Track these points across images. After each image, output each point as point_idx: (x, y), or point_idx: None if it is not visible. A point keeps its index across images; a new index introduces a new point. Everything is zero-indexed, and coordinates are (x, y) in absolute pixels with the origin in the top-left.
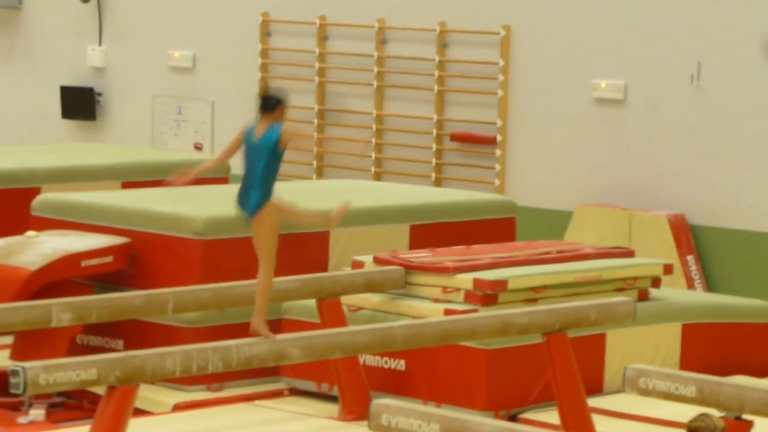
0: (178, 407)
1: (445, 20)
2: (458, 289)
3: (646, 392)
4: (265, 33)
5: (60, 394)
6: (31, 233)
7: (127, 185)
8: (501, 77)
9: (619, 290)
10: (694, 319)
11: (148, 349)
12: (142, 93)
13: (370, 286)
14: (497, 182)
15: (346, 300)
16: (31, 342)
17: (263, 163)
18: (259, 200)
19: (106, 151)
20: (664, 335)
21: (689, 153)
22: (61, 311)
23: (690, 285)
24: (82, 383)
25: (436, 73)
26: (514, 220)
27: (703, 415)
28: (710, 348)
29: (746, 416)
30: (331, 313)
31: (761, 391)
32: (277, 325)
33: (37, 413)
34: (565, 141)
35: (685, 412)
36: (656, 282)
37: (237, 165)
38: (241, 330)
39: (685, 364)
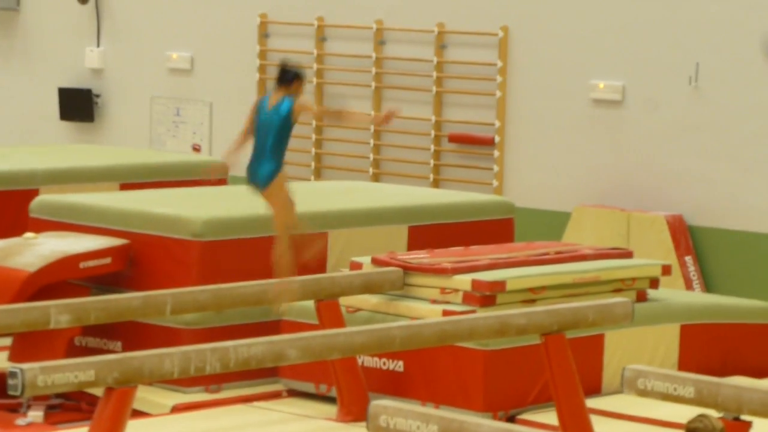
0: (176, 408)
1: (443, 21)
2: (456, 290)
3: (644, 393)
4: (263, 34)
5: (58, 395)
6: (29, 235)
7: (125, 187)
8: (499, 78)
9: (618, 291)
10: (692, 320)
11: (146, 351)
12: (140, 94)
13: (369, 287)
14: (495, 183)
15: (345, 301)
16: (30, 343)
17: (274, 134)
18: (271, 171)
19: (104, 153)
20: (663, 336)
21: (687, 154)
22: (59, 313)
23: (688, 286)
24: (80, 385)
25: (435, 74)
26: (512, 221)
27: (701, 416)
28: (709, 349)
29: (745, 417)
30: (329, 314)
31: (760, 392)
32: (275, 327)
33: (36, 415)
34: (563, 142)
35: (684, 413)
36: (654, 283)
37: (235, 166)
38: (240, 331)
39: (684, 364)
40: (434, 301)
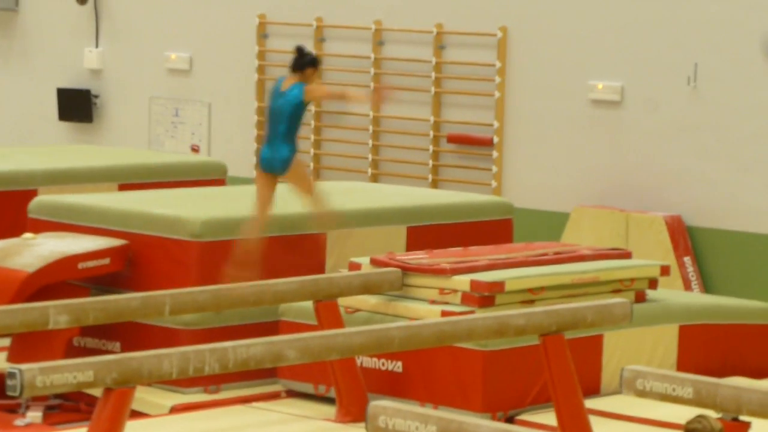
0: (175, 409)
1: (442, 22)
2: (455, 291)
3: (643, 394)
4: (262, 35)
5: (57, 396)
6: (28, 235)
7: (124, 187)
8: (498, 79)
9: (616, 291)
10: (691, 321)
11: (144, 351)
12: (138, 95)
13: (367, 287)
14: (494, 184)
15: (343, 302)
16: (28, 344)
17: (286, 120)
18: (288, 157)
19: (102, 153)
20: (661, 336)
21: (686, 154)
22: (58, 313)
23: (687, 286)
24: (79, 385)
25: (433, 74)
26: (511, 222)
27: (700, 417)
28: (707, 349)
29: (743, 417)
30: (328, 314)
31: (759, 393)
32: (274, 327)
33: (34, 415)
34: (561, 142)
35: (683, 414)
36: (653, 283)
37: (234, 166)
38: (239, 332)
39: (682, 365)
40: (433, 302)
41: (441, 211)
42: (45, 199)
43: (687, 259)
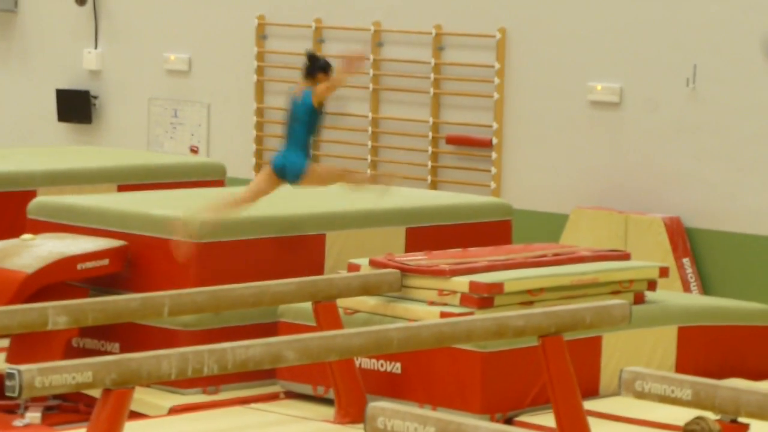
0: (173, 410)
1: (441, 23)
2: (454, 292)
3: (641, 395)
4: (261, 36)
5: (56, 397)
6: (27, 236)
7: (123, 188)
8: (497, 80)
9: (615, 293)
10: (690, 322)
11: (143, 352)
12: (137, 96)
13: (366, 289)
14: (493, 185)
15: (342, 303)
16: (27, 345)
17: (299, 127)
18: (301, 168)
19: (102, 154)
20: (660, 338)
21: (685, 156)
22: (57, 314)
23: (686, 288)
24: (77, 386)
25: (432, 75)
26: (510, 223)
27: (698, 419)
28: (706, 351)
29: (742, 419)
30: (326, 315)
31: (757, 394)
32: (273, 328)
33: (33, 416)
34: (560, 144)
35: (681, 416)
36: (652, 285)
37: (233, 167)
38: (238, 333)
39: (681, 367)
40: (432, 303)
41: (440, 213)
42: (44, 200)
43: (686, 261)
